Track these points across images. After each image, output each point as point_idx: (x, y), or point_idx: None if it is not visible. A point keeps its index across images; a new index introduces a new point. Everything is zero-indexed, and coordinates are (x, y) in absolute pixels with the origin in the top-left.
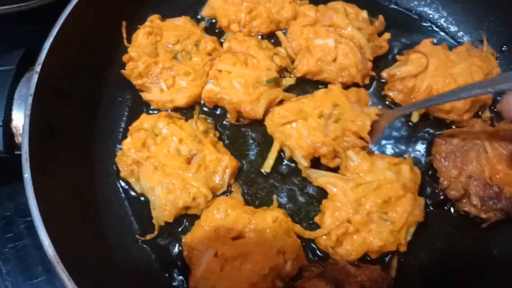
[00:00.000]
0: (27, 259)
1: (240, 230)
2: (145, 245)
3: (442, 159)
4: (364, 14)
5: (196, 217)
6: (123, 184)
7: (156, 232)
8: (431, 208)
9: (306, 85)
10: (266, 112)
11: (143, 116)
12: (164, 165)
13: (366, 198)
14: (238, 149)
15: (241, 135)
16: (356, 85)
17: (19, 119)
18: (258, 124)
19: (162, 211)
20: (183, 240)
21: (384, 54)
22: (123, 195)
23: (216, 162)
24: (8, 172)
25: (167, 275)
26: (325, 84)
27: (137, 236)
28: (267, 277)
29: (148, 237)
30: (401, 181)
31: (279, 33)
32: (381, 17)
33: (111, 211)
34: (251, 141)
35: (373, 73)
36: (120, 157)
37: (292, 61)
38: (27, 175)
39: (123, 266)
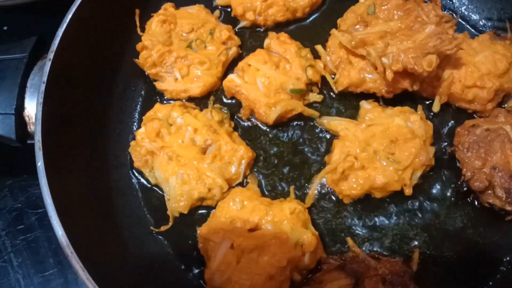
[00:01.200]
0: (38, 251)
1: (257, 222)
2: (160, 236)
3: (465, 150)
4: None
5: (211, 208)
6: (136, 174)
7: (170, 224)
8: (452, 200)
9: (334, 102)
10: (277, 121)
11: (157, 105)
12: (178, 156)
13: (374, 138)
14: (254, 140)
15: (257, 125)
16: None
17: (32, 107)
18: None
19: (177, 202)
20: (198, 231)
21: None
22: (136, 185)
23: (232, 153)
24: (19, 164)
25: (183, 266)
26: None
27: (151, 228)
28: (285, 270)
29: (163, 228)
30: (410, 127)
31: (319, 47)
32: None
33: (125, 202)
34: (267, 130)
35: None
36: (134, 147)
37: (333, 76)
38: (40, 163)
39: (137, 257)
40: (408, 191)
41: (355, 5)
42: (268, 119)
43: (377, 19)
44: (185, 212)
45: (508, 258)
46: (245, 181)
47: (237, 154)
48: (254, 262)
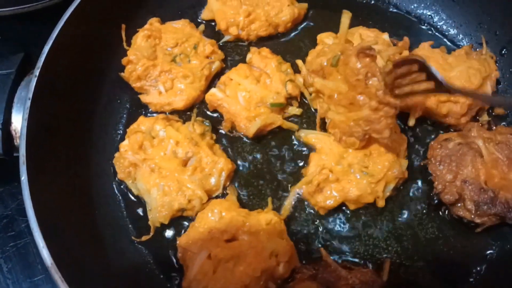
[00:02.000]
0: (27, 257)
1: (234, 232)
2: (140, 246)
3: (438, 163)
4: (385, 36)
5: (191, 220)
6: (119, 185)
7: (152, 233)
8: (424, 212)
9: (311, 117)
10: (257, 133)
11: (141, 118)
12: (160, 168)
13: (349, 151)
14: (236, 150)
15: (240, 136)
16: None
17: (18, 122)
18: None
19: (158, 212)
20: (177, 241)
21: None
22: (119, 196)
23: (212, 165)
24: (9, 172)
25: (162, 276)
26: None
27: (132, 237)
28: (260, 279)
29: (144, 238)
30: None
31: (299, 62)
32: (405, 38)
33: (107, 212)
34: (248, 142)
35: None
36: (118, 159)
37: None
38: (23, 177)
39: (118, 267)
40: (381, 203)
41: (327, 46)
42: (248, 132)
43: (336, 74)
44: (166, 222)
45: (477, 269)
46: (225, 192)
47: (217, 166)
48: (230, 272)
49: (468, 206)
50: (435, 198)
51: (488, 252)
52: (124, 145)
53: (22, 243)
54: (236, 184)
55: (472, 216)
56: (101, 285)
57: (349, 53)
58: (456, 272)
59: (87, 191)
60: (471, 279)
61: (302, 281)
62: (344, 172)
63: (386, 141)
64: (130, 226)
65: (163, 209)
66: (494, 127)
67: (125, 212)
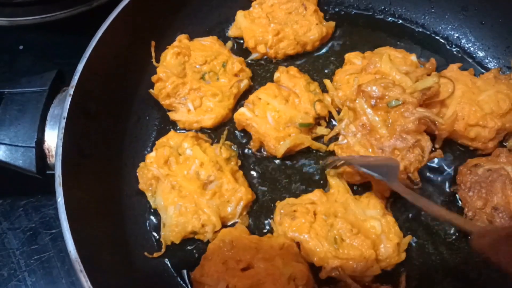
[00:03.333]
0: (52, 271)
1: (249, 260)
2: (166, 260)
3: (467, 189)
4: (413, 57)
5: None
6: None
7: (163, 251)
8: (454, 238)
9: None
10: (285, 153)
11: (171, 133)
12: (181, 186)
13: (338, 218)
14: (258, 179)
15: (264, 166)
16: None
17: (51, 140)
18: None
19: (171, 231)
20: (191, 276)
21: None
22: (148, 214)
23: (232, 192)
24: (34, 185)
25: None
26: None
27: (145, 253)
28: None
29: (155, 255)
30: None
31: (327, 82)
32: (432, 59)
33: (137, 230)
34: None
35: None
36: (142, 169)
37: (339, 111)
38: (60, 199)
39: (143, 278)
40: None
41: (392, 78)
42: (277, 152)
43: (384, 113)
44: (177, 241)
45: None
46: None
47: (236, 195)
48: None
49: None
50: None
51: None
52: (150, 156)
53: (46, 257)
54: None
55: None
56: None
57: (410, 109)
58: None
59: (117, 209)
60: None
61: None
62: (320, 228)
63: None
64: (157, 243)
65: (177, 229)
66: None
67: (153, 230)
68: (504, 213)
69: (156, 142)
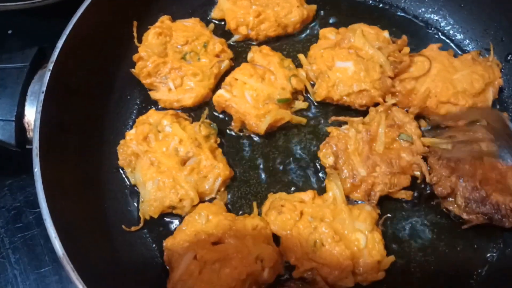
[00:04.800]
0: (35, 249)
1: (221, 235)
2: (149, 239)
3: (437, 157)
4: (385, 34)
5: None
6: (129, 179)
7: (141, 225)
8: (415, 202)
9: (321, 110)
10: (267, 130)
11: (152, 111)
12: (160, 162)
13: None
14: (236, 158)
15: (243, 144)
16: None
17: (31, 114)
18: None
19: (149, 206)
20: (164, 244)
21: (405, 68)
22: (128, 190)
23: (210, 168)
24: (19, 165)
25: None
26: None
27: (123, 226)
28: (245, 283)
29: (133, 228)
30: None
31: (301, 56)
32: (404, 36)
33: (116, 205)
34: (251, 151)
35: (394, 89)
36: (122, 146)
37: (313, 84)
38: (37, 169)
39: (127, 259)
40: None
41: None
42: (259, 129)
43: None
44: (155, 216)
45: (478, 271)
46: (216, 196)
47: (214, 171)
48: (215, 274)
49: (459, 201)
50: (428, 189)
51: (489, 254)
52: (130, 133)
53: (30, 235)
54: (229, 190)
55: (461, 211)
56: (109, 276)
57: (412, 153)
58: (457, 275)
59: (97, 184)
60: (472, 281)
61: None
62: (303, 228)
63: None
64: (137, 218)
65: (155, 203)
66: None
67: (133, 205)
68: (467, 183)
69: (137, 120)
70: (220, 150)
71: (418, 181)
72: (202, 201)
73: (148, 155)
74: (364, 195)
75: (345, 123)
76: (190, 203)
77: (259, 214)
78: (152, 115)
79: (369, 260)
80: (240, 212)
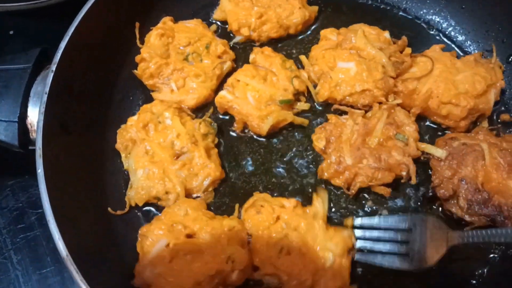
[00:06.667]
0: (37, 249)
1: (196, 230)
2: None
3: (439, 159)
4: (386, 34)
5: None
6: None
7: (126, 209)
8: (419, 204)
9: (321, 111)
10: (269, 131)
11: (157, 101)
12: (154, 152)
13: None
14: (234, 161)
15: (242, 149)
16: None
17: (34, 115)
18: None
19: (136, 193)
20: (139, 231)
21: (407, 69)
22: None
23: (201, 167)
24: (21, 165)
25: None
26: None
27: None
28: (213, 280)
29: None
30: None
31: (303, 57)
32: (404, 37)
33: (119, 205)
34: (249, 156)
35: (397, 89)
36: (122, 130)
37: (315, 86)
38: (40, 170)
39: (131, 259)
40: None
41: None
42: (261, 130)
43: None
44: (140, 204)
45: (480, 272)
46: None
47: (205, 170)
48: (186, 265)
49: (461, 203)
50: (430, 191)
51: (491, 255)
52: (132, 119)
53: (32, 235)
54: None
55: (463, 213)
56: (114, 276)
57: (404, 153)
58: (459, 275)
59: (100, 185)
60: (474, 281)
61: None
62: (275, 233)
63: None
64: (141, 218)
65: (142, 192)
66: (502, 134)
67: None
68: (469, 185)
69: (141, 107)
70: (216, 150)
71: (403, 181)
72: (188, 197)
73: (145, 143)
74: (345, 182)
75: (346, 113)
76: (175, 198)
77: (239, 217)
78: (156, 105)
79: (330, 283)
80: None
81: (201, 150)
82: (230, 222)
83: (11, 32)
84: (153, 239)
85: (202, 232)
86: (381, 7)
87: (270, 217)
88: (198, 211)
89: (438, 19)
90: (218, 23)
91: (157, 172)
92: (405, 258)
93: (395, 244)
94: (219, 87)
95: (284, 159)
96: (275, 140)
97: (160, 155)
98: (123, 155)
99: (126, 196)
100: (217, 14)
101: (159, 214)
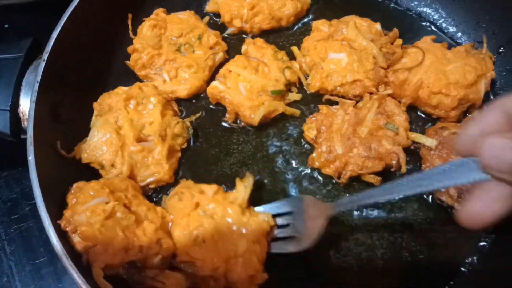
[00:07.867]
0: (30, 240)
1: (134, 204)
2: None
3: (429, 148)
4: (377, 26)
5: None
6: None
7: (70, 156)
8: None
9: (313, 101)
10: (261, 121)
11: (152, 84)
12: (122, 126)
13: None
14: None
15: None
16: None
17: (26, 105)
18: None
19: (85, 148)
20: (74, 184)
21: (397, 60)
22: None
23: (155, 163)
24: (15, 157)
25: None
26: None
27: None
28: (140, 252)
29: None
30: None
31: (294, 48)
32: (395, 29)
33: None
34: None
35: (387, 80)
36: (106, 94)
37: (306, 76)
38: (31, 157)
39: None
40: None
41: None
42: (253, 121)
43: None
44: (82, 161)
45: (470, 260)
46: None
47: (157, 167)
48: (119, 226)
49: (451, 192)
50: None
51: (481, 243)
52: (121, 88)
53: (26, 226)
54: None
55: (453, 202)
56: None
57: (394, 143)
58: (449, 263)
59: (92, 173)
60: (464, 269)
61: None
62: (192, 221)
63: None
64: None
65: (91, 152)
66: None
67: None
68: None
69: (137, 82)
70: (179, 154)
71: (393, 169)
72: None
73: (119, 114)
74: (335, 171)
75: (337, 103)
76: (117, 174)
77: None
78: (148, 86)
79: (242, 270)
80: None
81: (164, 147)
82: (163, 211)
83: (6, 26)
84: (93, 194)
85: (139, 208)
86: None
87: (189, 203)
88: (137, 192)
89: (429, 11)
90: (211, 14)
91: (115, 143)
92: (295, 240)
93: (287, 229)
94: (212, 78)
95: (275, 149)
96: (267, 130)
97: (126, 130)
98: (95, 113)
99: (76, 145)
100: (209, 6)
101: None
